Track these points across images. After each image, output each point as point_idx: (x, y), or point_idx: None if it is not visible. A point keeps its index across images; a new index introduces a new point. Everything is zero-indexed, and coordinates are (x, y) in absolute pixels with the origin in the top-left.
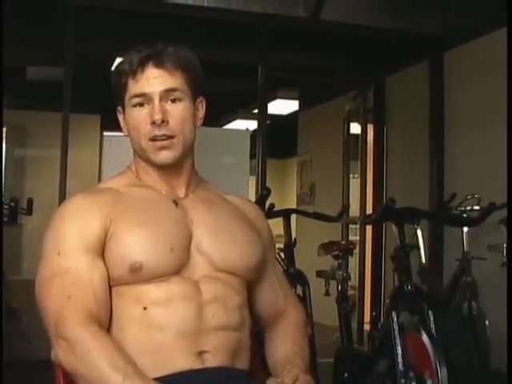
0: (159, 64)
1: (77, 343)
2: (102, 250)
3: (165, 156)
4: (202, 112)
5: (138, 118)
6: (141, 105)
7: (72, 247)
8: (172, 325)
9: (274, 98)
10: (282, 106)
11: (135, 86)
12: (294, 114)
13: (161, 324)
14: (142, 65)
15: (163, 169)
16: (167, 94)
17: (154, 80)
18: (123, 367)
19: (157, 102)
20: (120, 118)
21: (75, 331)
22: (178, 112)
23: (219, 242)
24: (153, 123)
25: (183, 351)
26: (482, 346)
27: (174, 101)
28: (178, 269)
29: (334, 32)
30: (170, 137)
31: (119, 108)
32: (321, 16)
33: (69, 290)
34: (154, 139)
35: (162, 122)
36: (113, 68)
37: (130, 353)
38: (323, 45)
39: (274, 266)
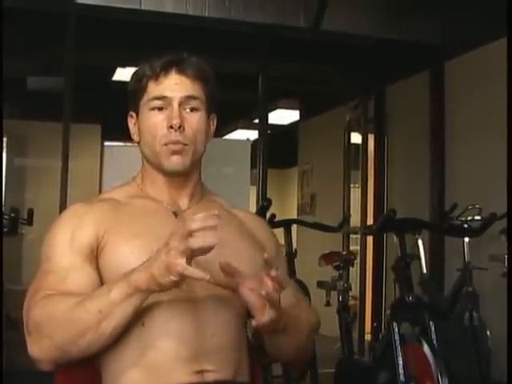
0: (182, 71)
1: (42, 317)
2: (92, 256)
3: (176, 161)
4: (212, 129)
5: (155, 121)
6: (159, 109)
7: (60, 253)
8: (171, 346)
9: (274, 108)
10: (283, 116)
11: (157, 89)
12: (294, 124)
13: (159, 345)
14: (166, 69)
15: (170, 177)
16: (186, 101)
17: (175, 85)
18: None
19: (176, 106)
20: (131, 123)
21: (35, 311)
22: (194, 121)
23: (218, 256)
24: (170, 127)
25: (182, 370)
26: (483, 356)
27: (191, 110)
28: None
29: (334, 42)
30: (184, 144)
31: (131, 113)
32: (321, 26)
33: (41, 285)
34: (167, 144)
35: (179, 127)
36: (133, 71)
37: (125, 366)
38: (324, 55)
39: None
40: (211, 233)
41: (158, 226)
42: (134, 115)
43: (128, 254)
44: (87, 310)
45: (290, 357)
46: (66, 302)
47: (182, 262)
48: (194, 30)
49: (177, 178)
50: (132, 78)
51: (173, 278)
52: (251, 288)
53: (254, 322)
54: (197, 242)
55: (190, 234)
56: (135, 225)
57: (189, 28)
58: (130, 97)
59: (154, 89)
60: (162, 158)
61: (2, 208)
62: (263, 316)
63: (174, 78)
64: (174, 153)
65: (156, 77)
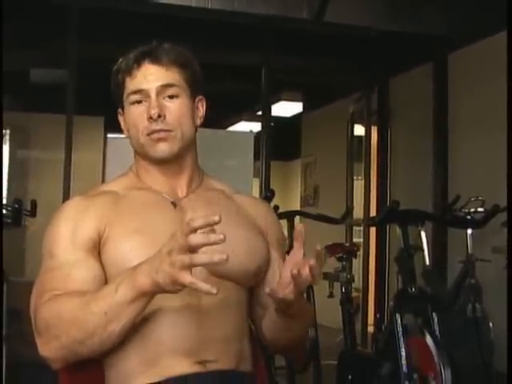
0: (155, 60)
1: (49, 319)
2: (95, 250)
3: (162, 148)
4: (202, 111)
5: (136, 114)
6: (138, 102)
7: (63, 248)
8: (172, 337)
9: (277, 100)
10: (286, 108)
11: (132, 83)
12: (297, 116)
13: (160, 337)
14: (138, 62)
15: (164, 165)
16: (164, 90)
17: (150, 76)
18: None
19: (154, 97)
20: (121, 119)
21: (43, 312)
22: (175, 107)
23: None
24: (150, 118)
25: (183, 361)
26: (486, 347)
27: (171, 97)
28: None
29: (337, 34)
30: (168, 130)
31: (119, 110)
32: (324, 18)
33: (48, 283)
34: (151, 134)
35: (159, 116)
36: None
37: (127, 360)
38: (327, 47)
39: (280, 265)
40: (219, 248)
41: (158, 219)
42: (122, 111)
43: (129, 250)
44: (93, 312)
45: (287, 346)
46: (72, 303)
47: (188, 275)
48: (198, 22)
49: (170, 165)
50: (112, 74)
51: (178, 287)
52: (291, 262)
53: (267, 290)
54: (203, 259)
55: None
56: (135, 219)
57: (192, 20)
58: (113, 93)
59: (130, 83)
60: (148, 148)
61: (3, 200)
62: (280, 291)
63: (148, 68)
64: (160, 140)
65: (130, 71)
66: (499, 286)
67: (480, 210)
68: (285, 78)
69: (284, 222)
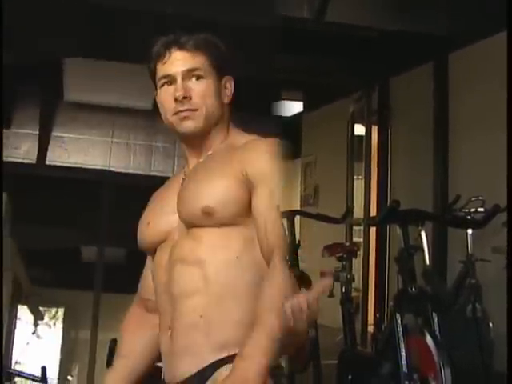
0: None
1: None
2: None
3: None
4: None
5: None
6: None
7: None
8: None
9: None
10: (287, 108)
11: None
12: (298, 116)
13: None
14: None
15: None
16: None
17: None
18: None
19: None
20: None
21: None
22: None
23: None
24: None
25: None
26: (486, 347)
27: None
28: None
29: (338, 33)
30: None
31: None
32: (325, 17)
33: None
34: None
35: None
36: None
37: None
38: (327, 46)
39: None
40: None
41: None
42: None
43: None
44: None
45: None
46: None
47: None
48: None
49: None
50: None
51: None
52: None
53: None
54: None
55: None
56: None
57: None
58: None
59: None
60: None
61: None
62: None
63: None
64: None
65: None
66: (499, 286)
67: (480, 209)
68: (285, 78)
69: (284, 222)
